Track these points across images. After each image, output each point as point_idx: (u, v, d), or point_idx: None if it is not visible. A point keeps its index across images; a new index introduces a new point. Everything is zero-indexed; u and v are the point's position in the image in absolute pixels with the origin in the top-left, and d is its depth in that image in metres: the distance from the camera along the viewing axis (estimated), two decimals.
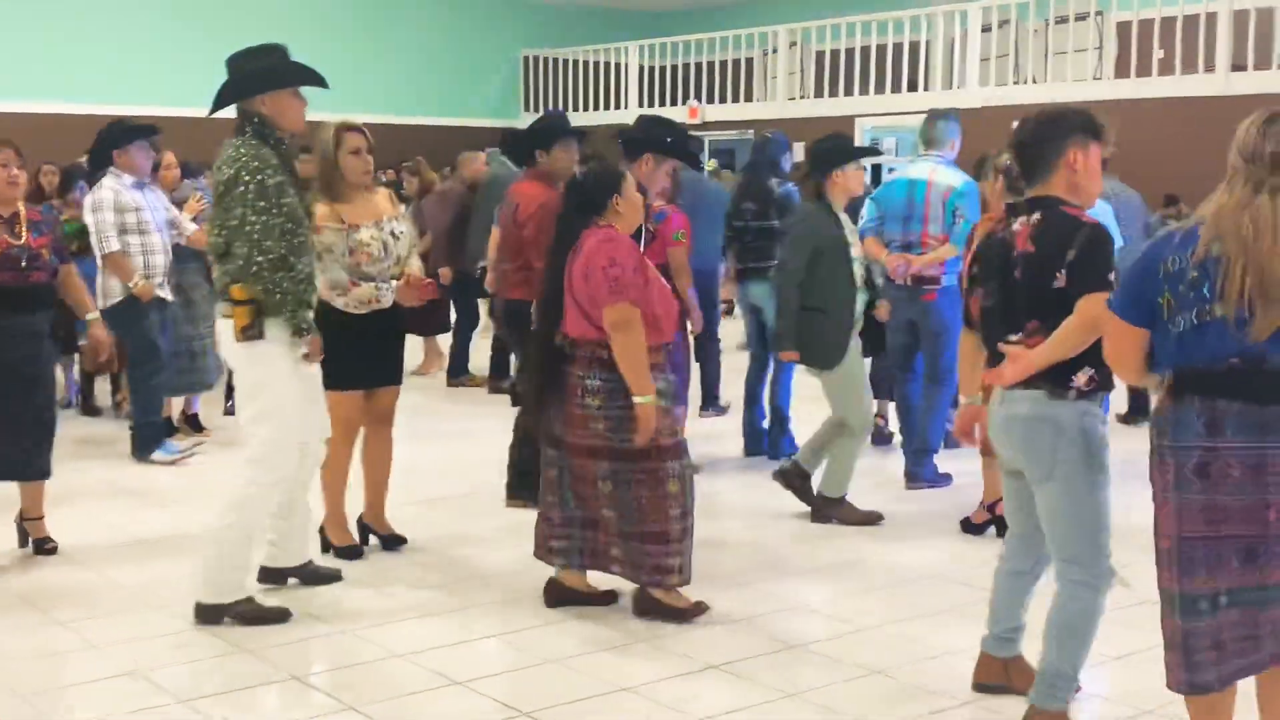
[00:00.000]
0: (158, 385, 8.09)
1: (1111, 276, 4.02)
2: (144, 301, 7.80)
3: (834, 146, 6.90)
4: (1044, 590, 4.38)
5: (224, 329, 5.12)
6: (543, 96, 25.69)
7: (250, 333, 4.95)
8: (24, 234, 5.70)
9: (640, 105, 24.23)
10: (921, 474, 7.65)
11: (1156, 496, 3.57)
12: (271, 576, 5.55)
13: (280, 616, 5.23)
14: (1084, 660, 4.17)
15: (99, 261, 7.86)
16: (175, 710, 4.40)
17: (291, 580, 5.62)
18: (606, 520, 5.21)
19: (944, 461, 7.59)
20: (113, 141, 7.94)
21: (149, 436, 8.02)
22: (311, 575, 5.65)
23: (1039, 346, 4.04)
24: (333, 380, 5.64)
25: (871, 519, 6.80)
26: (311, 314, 5.14)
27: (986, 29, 19.84)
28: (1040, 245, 4.09)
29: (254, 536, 5.24)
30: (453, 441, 8.94)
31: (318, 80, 5.16)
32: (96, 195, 7.84)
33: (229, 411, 9.09)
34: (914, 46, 20.71)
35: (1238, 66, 17.24)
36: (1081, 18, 19.35)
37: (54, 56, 20.38)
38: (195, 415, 9.03)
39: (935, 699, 4.53)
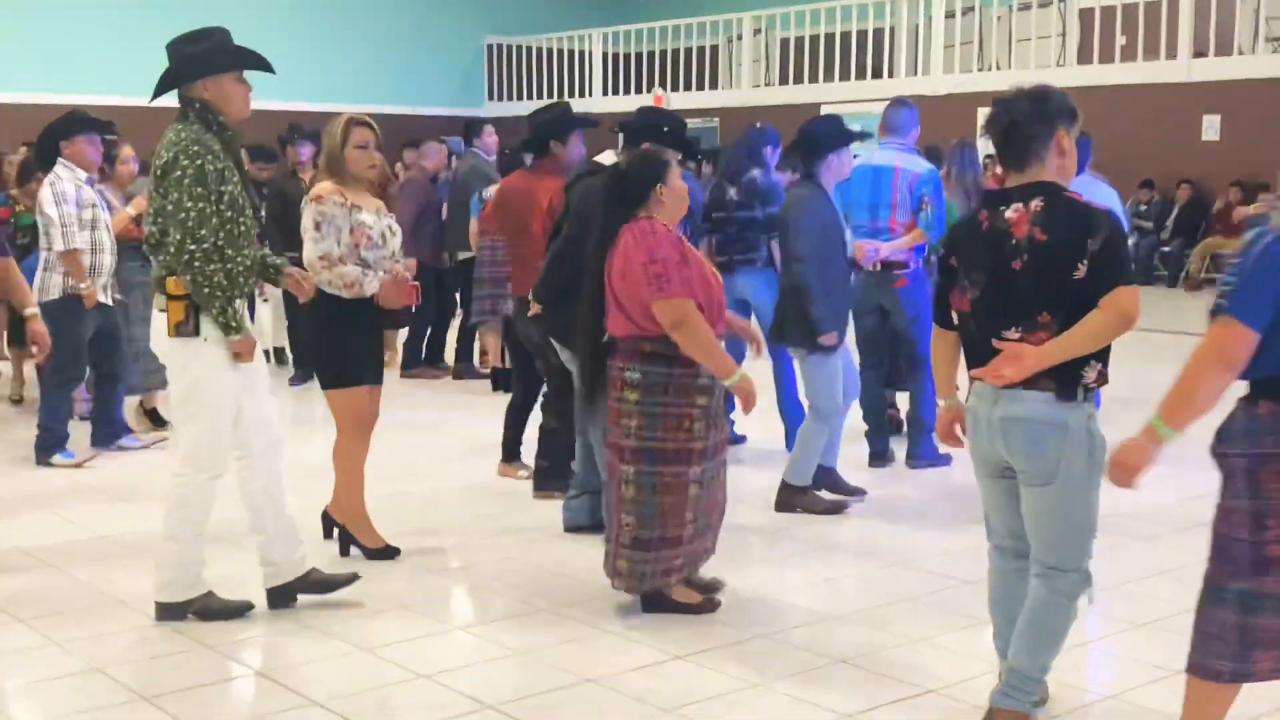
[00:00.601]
0: (69, 390, 7.95)
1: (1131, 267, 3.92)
2: (86, 305, 7.59)
3: (830, 130, 6.82)
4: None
5: (159, 324, 4.93)
6: (506, 84, 25.63)
7: (184, 329, 4.80)
8: None
9: (605, 93, 24.19)
10: (921, 452, 7.71)
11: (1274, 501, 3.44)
12: (277, 598, 5.25)
13: (240, 610, 5.13)
14: (1052, 663, 4.05)
15: (47, 256, 7.61)
16: (139, 708, 4.36)
17: (303, 597, 5.31)
18: (620, 529, 5.08)
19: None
20: (61, 133, 7.71)
21: (52, 442, 7.76)
22: (320, 584, 5.30)
23: (1051, 342, 3.80)
24: (340, 377, 5.60)
25: (837, 508, 6.80)
26: (244, 308, 4.96)
27: (950, 15, 19.88)
28: (1053, 233, 3.81)
29: (202, 532, 5.06)
30: (422, 432, 8.86)
31: (261, 64, 4.99)
32: (58, 188, 7.52)
33: None
34: (878, 33, 20.75)
35: (1199, 53, 17.31)
36: (1045, 4, 19.42)
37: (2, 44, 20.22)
38: (155, 410, 8.87)
39: (901, 687, 4.52)
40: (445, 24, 25.16)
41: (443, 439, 8.51)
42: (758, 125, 8.60)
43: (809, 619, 5.28)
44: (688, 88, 23.01)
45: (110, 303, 7.79)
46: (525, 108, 25.03)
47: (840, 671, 4.71)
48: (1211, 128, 16.92)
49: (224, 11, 22.27)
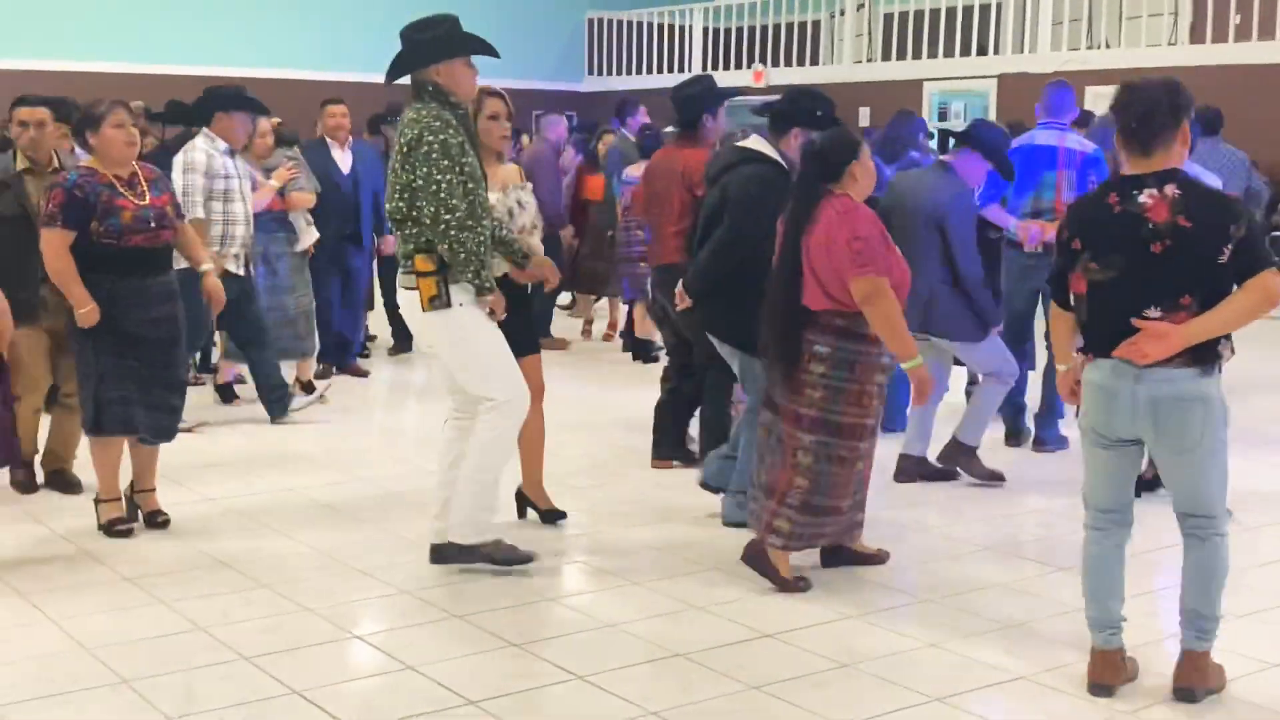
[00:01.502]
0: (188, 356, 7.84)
1: None
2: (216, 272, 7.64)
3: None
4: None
5: (408, 301, 5.12)
6: (606, 59, 25.66)
7: (438, 303, 4.99)
8: (147, 194, 5.60)
9: (704, 68, 24.11)
10: (1048, 437, 7.74)
11: None
12: (437, 555, 5.35)
13: (526, 559, 5.28)
14: (1222, 602, 4.22)
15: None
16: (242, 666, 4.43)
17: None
18: (790, 489, 5.14)
19: None
20: (220, 103, 7.80)
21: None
22: (498, 554, 5.32)
23: (1196, 322, 3.96)
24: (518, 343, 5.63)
25: (996, 477, 6.90)
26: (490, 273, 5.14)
27: None
28: (1197, 220, 3.96)
29: (500, 480, 5.29)
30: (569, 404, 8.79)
31: (488, 49, 5.22)
32: (189, 156, 7.64)
33: (320, 375, 9.21)
34: (984, 9, 20.49)
35: None
36: None
37: (129, 18, 20.60)
38: (310, 382, 8.90)
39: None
40: (547, 1, 25.24)
41: (587, 408, 8.54)
42: (909, 111, 8.52)
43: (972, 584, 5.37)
44: (788, 64, 22.86)
45: (241, 273, 7.81)
46: (624, 83, 25.08)
47: (1005, 633, 4.80)
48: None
49: (336, 4, 22.00)
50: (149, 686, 4.22)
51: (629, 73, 25.30)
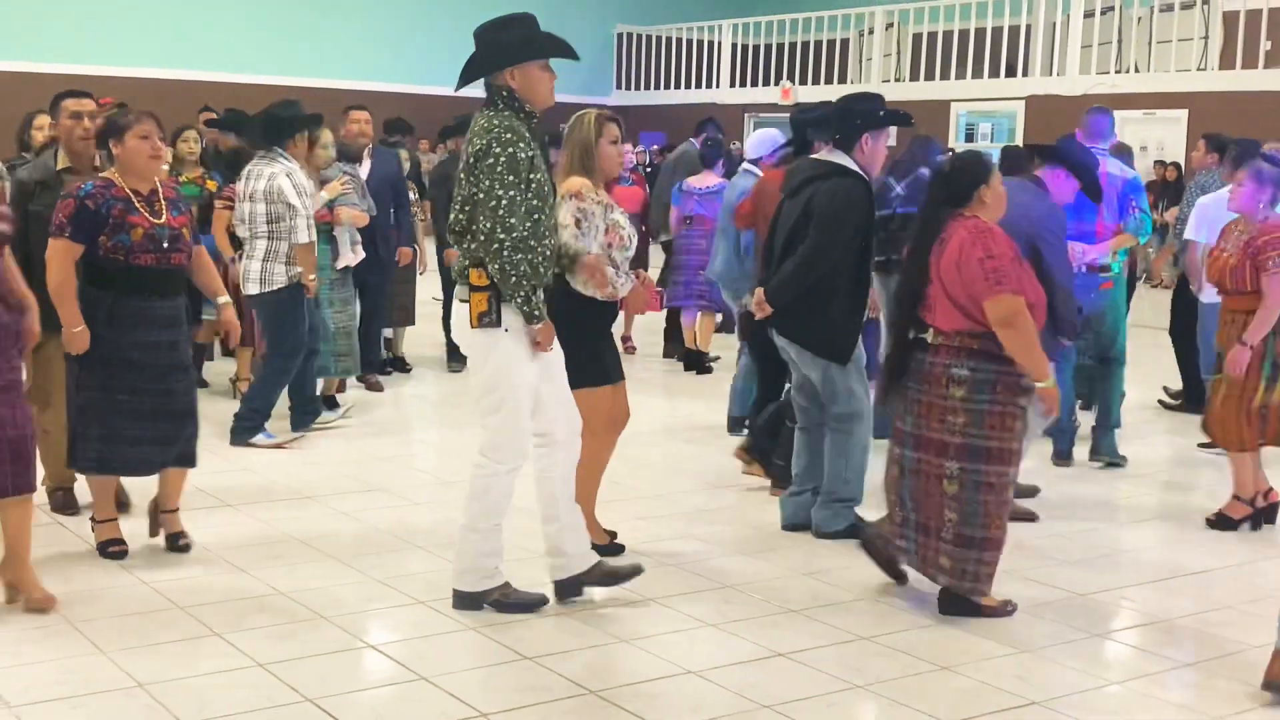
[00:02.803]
0: (289, 377, 7.77)
1: None
2: (308, 294, 7.60)
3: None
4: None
5: (460, 316, 4.88)
6: (635, 73, 25.70)
7: (487, 320, 4.74)
8: (164, 213, 5.35)
9: (732, 85, 24.15)
10: (1107, 449, 7.71)
11: None
12: (565, 590, 5.14)
13: (537, 603, 5.03)
14: None
15: (273, 246, 7.48)
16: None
17: (588, 591, 5.18)
18: (943, 524, 5.03)
19: None
20: (293, 126, 7.71)
21: (259, 422, 7.69)
22: (606, 577, 5.19)
23: None
24: (594, 377, 5.46)
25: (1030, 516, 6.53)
26: (543, 298, 4.85)
27: (1089, 14, 19.56)
28: None
29: (502, 524, 4.97)
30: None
31: (569, 52, 4.92)
32: (295, 179, 7.51)
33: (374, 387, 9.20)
34: (1014, 31, 20.47)
35: None
36: (1187, 6, 19.00)
37: (169, 23, 20.74)
38: (332, 396, 8.71)
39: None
40: (577, 11, 25.26)
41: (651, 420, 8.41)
42: (928, 137, 8.48)
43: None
44: (815, 81, 22.88)
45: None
46: (652, 97, 25.16)
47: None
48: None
49: (375, 16, 22.37)
50: (163, 691, 4.21)
51: (657, 87, 25.36)
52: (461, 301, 4.85)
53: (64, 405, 5.56)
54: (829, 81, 22.70)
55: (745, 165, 8.42)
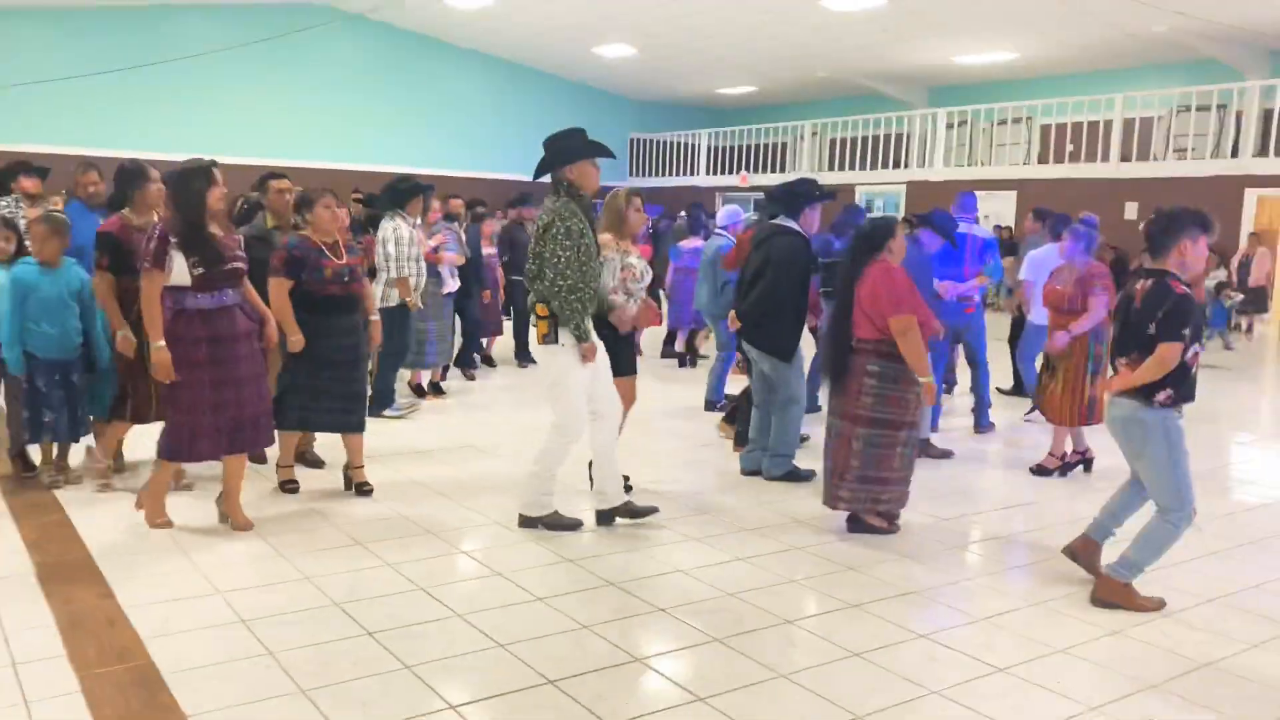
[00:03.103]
0: (400, 365, 7.70)
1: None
2: (410, 309, 7.47)
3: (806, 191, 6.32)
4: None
5: (533, 336, 4.89)
6: (643, 164, 25.65)
7: (548, 340, 4.74)
8: (344, 256, 5.36)
9: (708, 173, 24.08)
10: (985, 423, 7.68)
11: None
12: (602, 518, 5.08)
13: (575, 525, 4.99)
14: (1150, 564, 4.22)
15: (388, 278, 7.37)
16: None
17: (619, 520, 5.11)
18: (846, 468, 5.00)
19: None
20: (409, 193, 7.60)
21: (388, 400, 7.59)
22: (631, 511, 5.11)
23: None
24: (616, 370, 5.28)
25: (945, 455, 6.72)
26: (591, 325, 4.83)
27: (950, 126, 19.50)
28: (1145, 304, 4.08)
29: (555, 474, 4.96)
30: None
31: (608, 153, 4.89)
32: (397, 232, 7.37)
33: (433, 385, 8.94)
34: (899, 137, 20.43)
35: (1125, 158, 16.83)
36: (1017, 120, 18.99)
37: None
38: (420, 384, 8.57)
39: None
40: (602, 123, 25.24)
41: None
42: (855, 205, 8.46)
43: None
44: (764, 170, 22.84)
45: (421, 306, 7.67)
46: (653, 181, 25.15)
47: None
48: (1131, 210, 16.41)
49: (441, 105, 22.21)
50: (324, 582, 4.19)
51: (657, 174, 25.29)
52: (533, 325, 4.85)
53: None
54: (774, 170, 22.64)
55: (717, 230, 8.37)
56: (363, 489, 5.52)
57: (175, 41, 19.30)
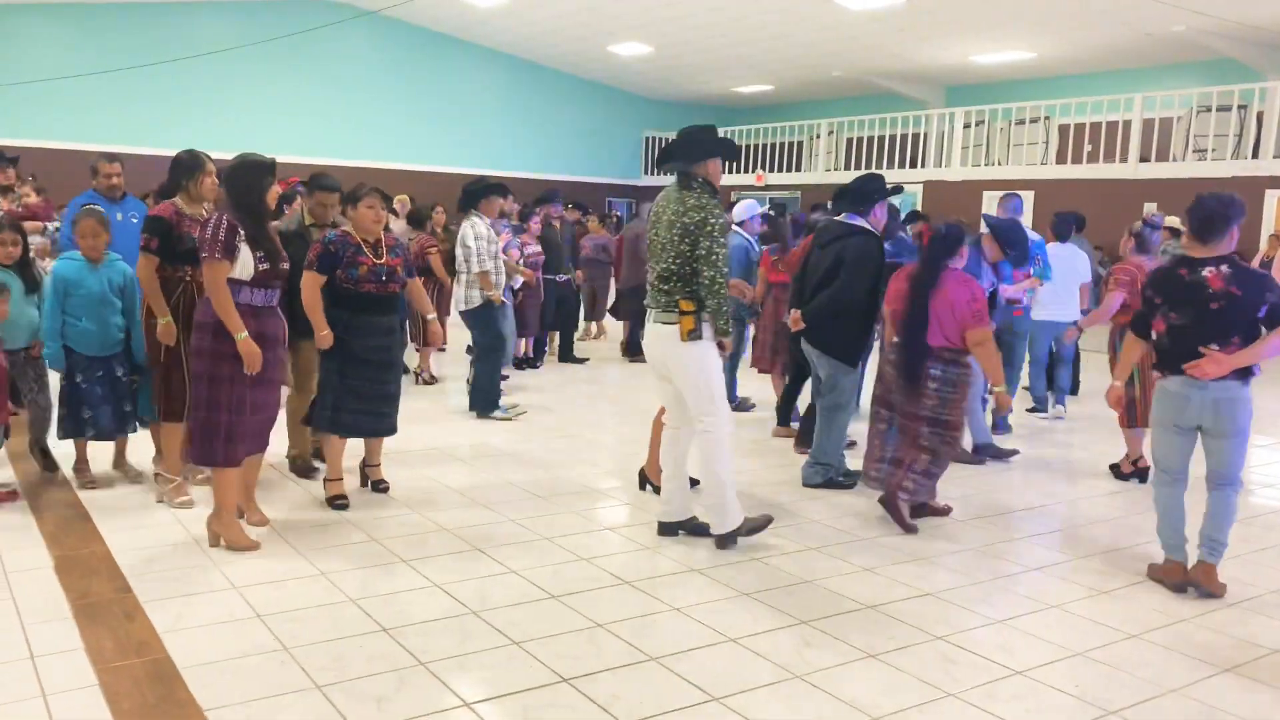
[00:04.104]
0: (498, 363, 7.63)
1: None
2: (495, 304, 7.49)
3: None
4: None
5: (665, 333, 4.64)
6: (657, 164, 25.66)
7: (694, 335, 4.57)
8: (384, 255, 5.18)
9: (724, 172, 24.07)
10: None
11: None
12: (665, 530, 4.95)
13: (766, 522, 4.87)
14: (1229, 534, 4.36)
15: (468, 276, 7.42)
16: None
17: (680, 533, 4.96)
18: (915, 461, 5.13)
19: None
20: (482, 193, 7.64)
21: (492, 399, 7.59)
22: (695, 528, 4.96)
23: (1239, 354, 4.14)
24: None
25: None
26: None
27: (967, 126, 19.42)
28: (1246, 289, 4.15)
29: (728, 479, 4.70)
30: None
31: (736, 153, 4.85)
32: (476, 229, 7.42)
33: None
34: (915, 136, 20.36)
35: (1144, 158, 16.74)
36: (1034, 120, 18.89)
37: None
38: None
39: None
40: (618, 122, 25.27)
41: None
42: (895, 209, 8.32)
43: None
44: (780, 170, 22.79)
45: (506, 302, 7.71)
46: (669, 181, 25.12)
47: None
48: (1150, 210, 16.32)
49: (465, 106, 22.20)
50: (339, 577, 4.20)
51: (672, 174, 25.25)
52: (666, 324, 4.63)
53: (306, 394, 5.50)
54: (789, 170, 22.61)
55: (734, 227, 8.35)
56: (379, 486, 5.48)
57: (188, 38, 19.39)
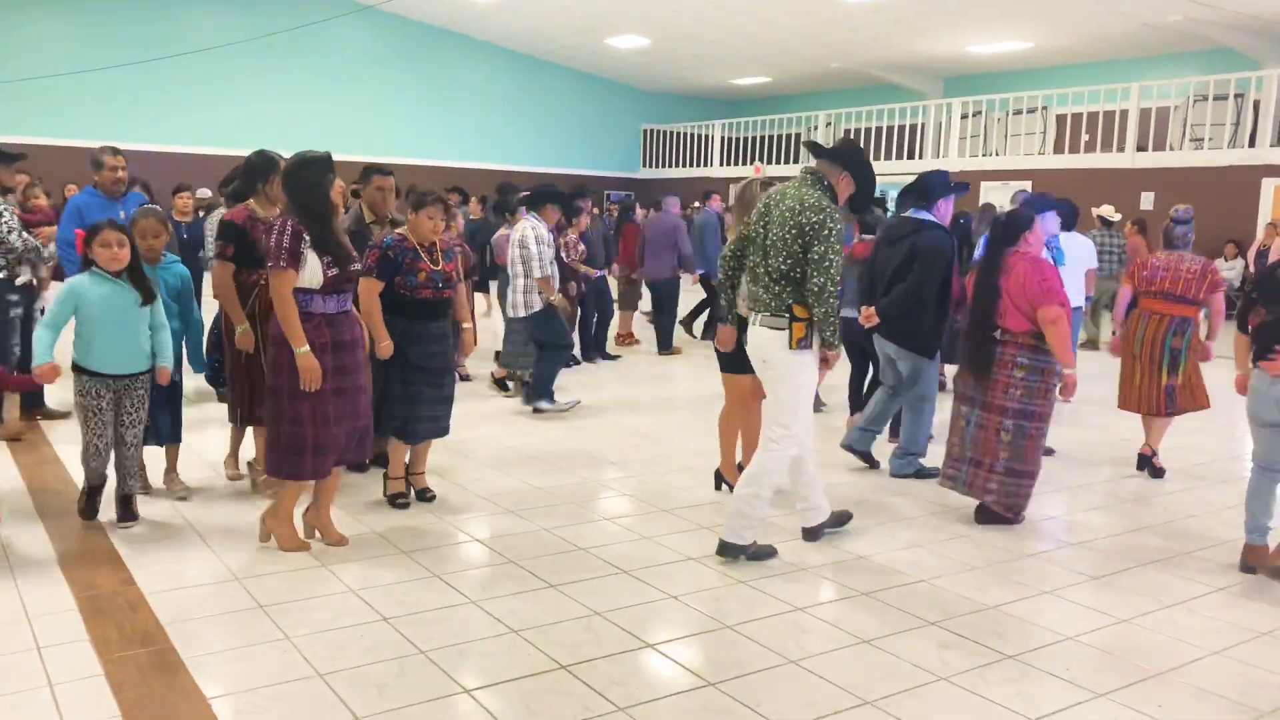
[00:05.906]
0: (560, 361, 7.62)
1: None
2: (556, 307, 7.48)
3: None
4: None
5: (770, 337, 4.39)
6: (655, 156, 25.64)
7: (804, 343, 4.34)
8: (440, 261, 5.05)
9: (721, 164, 24.07)
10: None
11: None
12: (812, 535, 4.80)
13: (770, 553, 4.56)
14: None
15: (527, 281, 7.39)
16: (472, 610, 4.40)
17: (824, 534, 4.83)
18: (995, 460, 4.99)
19: None
20: (543, 198, 7.68)
21: (545, 392, 7.52)
22: (838, 519, 4.88)
23: None
24: (742, 365, 5.09)
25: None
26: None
27: (965, 116, 19.43)
28: None
29: (767, 496, 4.46)
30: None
31: (872, 186, 4.66)
32: (537, 232, 7.42)
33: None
34: (914, 127, 20.36)
35: (1141, 148, 16.75)
36: (1031, 110, 18.89)
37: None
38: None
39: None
40: (616, 115, 25.27)
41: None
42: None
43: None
44: (778, 161, 22.80)
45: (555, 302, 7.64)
46: (666, 173, 25.12)
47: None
48: (1147, 200, 16.34)
49: (470, 99, 22.26)
50: (369, 595, 4.22)
51: (670, 166, 25.30)
52: (772, 329, 4.39)
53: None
54: (788, 162, 22.63)
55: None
56: (424, 495, 5.26)
57: (187, 33, 19.39)
